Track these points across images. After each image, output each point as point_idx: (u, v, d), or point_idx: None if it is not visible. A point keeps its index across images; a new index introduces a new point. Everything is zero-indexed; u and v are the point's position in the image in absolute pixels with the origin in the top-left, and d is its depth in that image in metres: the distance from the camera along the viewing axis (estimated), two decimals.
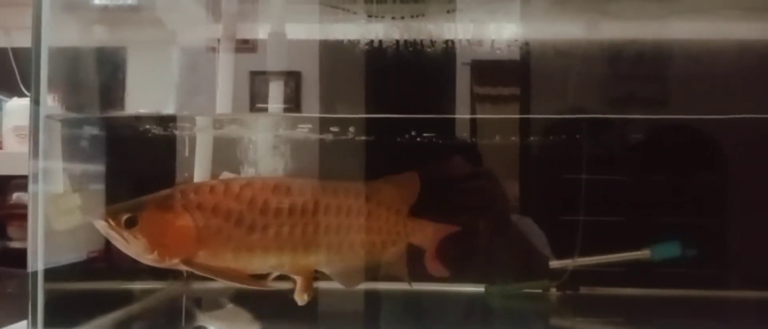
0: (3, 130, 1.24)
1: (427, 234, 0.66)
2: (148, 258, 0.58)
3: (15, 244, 1.25)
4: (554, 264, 0.79)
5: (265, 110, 0.78)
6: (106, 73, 0.83)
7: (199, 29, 0.83)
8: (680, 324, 0.75)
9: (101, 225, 0.58)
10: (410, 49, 0.75)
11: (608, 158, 0.81)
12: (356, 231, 0.62)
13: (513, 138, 0.78)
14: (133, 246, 0.57)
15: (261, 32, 0.78)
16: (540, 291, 0.81)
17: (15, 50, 1.29)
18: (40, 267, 0.67)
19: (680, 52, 0.79)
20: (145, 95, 0.84)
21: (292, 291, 0.63)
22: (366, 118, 0.74)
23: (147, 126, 0.75)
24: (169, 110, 0.81)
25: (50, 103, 0.71)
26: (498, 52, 0.76)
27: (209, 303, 0.75)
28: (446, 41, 0.76)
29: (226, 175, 0.69)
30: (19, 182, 1.25)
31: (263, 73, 0.77)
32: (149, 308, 0.81)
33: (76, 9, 0.81)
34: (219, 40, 0.76)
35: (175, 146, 0.77)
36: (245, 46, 0.79)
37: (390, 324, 0.78)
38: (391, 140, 0.72)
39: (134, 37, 0.86)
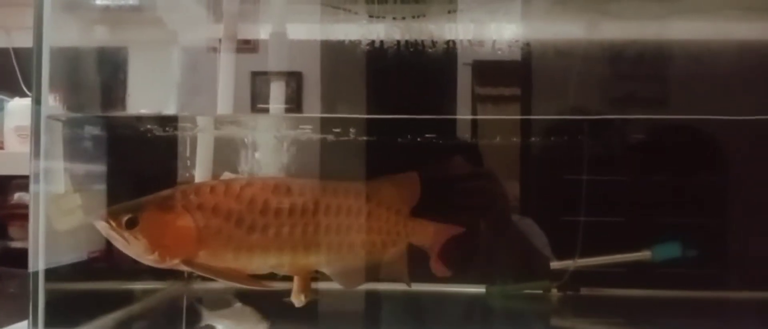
0: (4, 130, 1.24)
1: (427, 235, 0.66)
2: (148, 259, 0.58)
3: (16, 244, 1.25)
4: (555, 264, 0.79)
5: (267, 110, 0.78)
6: (108, 73, 0.83)
7: (201, 29, 0.83)
8: (681, 324, 0.75)
9: (102, 226, 0.58)
10: (411, 49, 0.75)
11: (609, 158, 0.81)
12: (356, 231, 0.62)
13: (514, 139, 0.78)
14: (133, 247, 0.57)
15: (262, 32, 0.78)
16: (541, 291, 0.81)
17: (16, 50, 1.29)
18: (41, 267, 0.67)
19: (680, 52, 0.79)
20: (147, 95, 0.84)
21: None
22: (367, 118, 0.74)
23: (148, 126, 0.75)
24: (170, 110, 0.81)
25: (52, 103, 0.71)
26: (499, 52, 0.76)
27: (217, 302, 0.74)
28: (447, 42, 0.76)
29: (227, 175, 0.69)
30: (21, 182, 1.25)
31: (264, 73, 0.77)
32: (150, 308, 0.81)
33: (78, 9, 0.81)
34: (220, 41, 0.76)
35: (176, 146, 0.77)
36: (246, 46, 0.80)
37: (390, 324, 0.78)
38: (392, 140, 0.72)
39: (135, 37, 0.86)
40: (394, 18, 0.76)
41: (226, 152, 0.76)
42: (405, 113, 0.69)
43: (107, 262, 0.77)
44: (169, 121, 0.76)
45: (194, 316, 0.77)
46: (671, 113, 0.80)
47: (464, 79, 0.80)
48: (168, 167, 0.76)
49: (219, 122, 0.76)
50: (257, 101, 0.80)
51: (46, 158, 0.69)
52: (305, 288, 0.62)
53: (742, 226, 0.81)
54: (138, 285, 0.81)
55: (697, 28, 0.78)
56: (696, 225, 0.80)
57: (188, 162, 0.75)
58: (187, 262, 0.59)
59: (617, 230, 0.81)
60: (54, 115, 0.70)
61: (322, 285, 0.66)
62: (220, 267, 0.59)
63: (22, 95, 1.25)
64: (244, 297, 0.73)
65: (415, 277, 0.67)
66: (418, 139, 0.72)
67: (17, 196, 1.29)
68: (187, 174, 0.75)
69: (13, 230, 1.28)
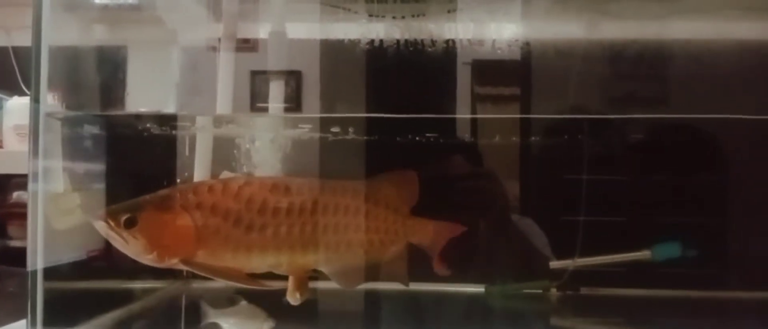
0: (3, 129, 1.24)
1: (427, 234, 0.65)
2: (147, 258, 0.58)
3: (15, 243, 1.25)
4: (554, 264, 0.79)
5: (266, 109, 0.78)
6: (107, 72, 0.83)
7: (200, 28, 0.83)
8: (681, 324, 0.75)
9: (100, 226, 0.57)
10: (411, 48, 0.75)
11: (608, 158, 0.81)
12: (354, 230, 0.62)
13: (513, 138, 0.78)
14: (132, 247, 0.57)
15: (262, 32, 0.78)
16: (540, 291, 0.81)
17: (15, 49, 1.29)
18: (40, 266, 0.67)
19: (680, 52, 0.79)
20: (146, 94, 0.84)
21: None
22: (366, 117, 0.74)
23: (147, 125, 0.75)
24: (169, 109, 0.81)
25: (51, 102, 0.71)
26: (498, 51, 0.76)
27: (222, 301, 0.74)
28: (447, 41, 0.76)
29: (226, 174, 0.69)
30: (20, 181, 1.25)
31: (264, 72, 0.77)
32: (149, 307, 0.81)
33: (77, 8, 0.81)
34: (219, 40, 0.76)
35: (175, 146, 0.77)
36: (246, 45, 0.79)
37: (389, 324, 0.78)
38: (392, 139, 0.72)
39: (135, 36, 0.85)
40: (393, 17, 0.76)
41: (226, 152, 0.75)
42: (404, 112, 0.69)
43: (106, 261, 0.77)
44: (168, 120, 0.76)
45: (193, 315, 0.77)
46: (671, 112, 0.80)
47: (464, 79, 0.80)
48: (167, 167, 0.76)
49: (218, 121, 0.76)
50: (257, 100, 0.80)
51: (44, 157, 0.69)
52: (300, 287, 0.62)
53: (741, 226, 0.81)
54: (137, 284, 0.81)
55: (696, 28, 0.78)
56: (696, 225, 0.80)
57: (187, 161, 0.75)
58: (185, 261, 0.59)
59: (617, 229, 0.81)
60: (52, 113, 0.70)
61: (321, 285, 0.66)
62: (218, 267, 0.59)
63: (22, 93, 1.24)
64: (249, 296, 0.73)
65: (414, 277, 0.67)
66: (418, 138, 0.71)
67: (16, 195, 1.29)
68: (186, 173, 0.75)
69: (12, 229, 1.28)
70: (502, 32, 0.76)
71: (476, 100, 0.81)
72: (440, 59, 0.76)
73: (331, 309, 0.75)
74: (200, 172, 0.73)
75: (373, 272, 0.63)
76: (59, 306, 0.70)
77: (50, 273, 0.69)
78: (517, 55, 0.76)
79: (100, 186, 0.79)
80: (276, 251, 0.60)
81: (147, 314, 0.80)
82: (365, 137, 0.72)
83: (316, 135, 0.74)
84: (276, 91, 0.76)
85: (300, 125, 0.76)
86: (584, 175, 0.79)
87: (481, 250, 0.79)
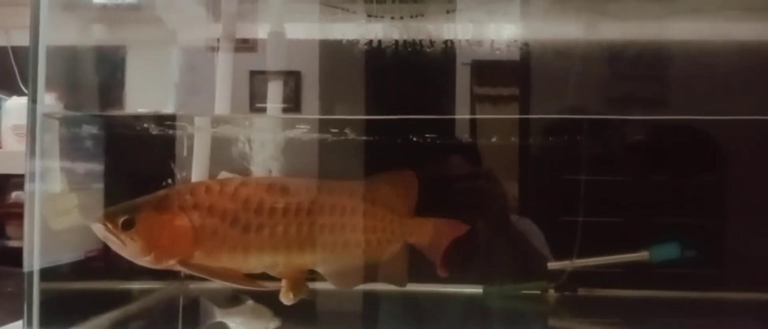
0: (2, 129, 1.24)
1: (425, 234, 0.65)
2: (144, 260, 0.58)
3: (14, 243, 1.25)
4: (553, 265, 0.79)
5: (265, 109, 0.77)
6: (106, 72, 0.82)
7: (199, 29, 0.82)
8: (679, 325, 0.75)
9: (98, 228, 0.57)
10: (409, 49, 0.75)
11: (607, 158, 0.81)
12: (350, 230, 0.62)
13: (512, 138, 0.78)
14: (129, 248, 0.57)
15: (261, 32, 0.78)
16: (538, 292, 0.81)
17: (14, 49, 1.28)
18: (36, 266, 0.67)
19: (679, 52, 0.79)
20: (145, 95, 0.84)
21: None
22: (365, 118, 0.74)
23: (145, 125, 0.75)
24: (168, 109, 0.81)
25: (50, 102, 0.71)
26: (497, 52, 0.76)
27: (223, 300, 0.75)
28: (446, 41, 0.76)
29: (224, 175, 0.68)
30: (18, 181, 1.24)
31: (263, 72, 0.77)
32: (147, 308, 0.81)
33: (76, 8, 0.81)
34: (218, 40, 0.76)
35: (173, 146, 0.76)
36: (245, 45, 0.79)
37: (388, 324, 0.78)
38: (391, 140, 0.72)
39: (134, 36, 0.85)
40: (392, 17, 0.76)
41: (224, 152, 0.75)
42: (403, 112, 0.69)
43: (104, 261, 0.77)
44: (166, 120, 0.76)
45: (191, 315, 0.77)
46: (670, 113, 0.79)
47: (463, 79, 0.79)
48: (165, 167, 0.76)
49: (216, 121, 0.76)
50: (256, 101, 0.80)
51: (42, 157, 0.69)
52: (294, 288, 0.62)
53: (739, 227, 0.81)
54: (135, 285, 0.81)
55: (695, 29, 0.78)
56: (694, 226, 0.80)
57: (185, 162, 0.75)
58: (182, 263, 0.59)
59: (615, 230, 0.81)
60: (50, 113, 0.70)
61: (323, 285, 0.66)
62: (215, 267, 0.59)
63: (21, 93, 1.24)
64: (255, 296, 0.73)
65: (412, 277, 0.66)
66: (417, 139, 0.71)
67: (15, 195, 1.28)
68: (184, 174, 0.74)
69: (10, 230, 1.28)
70: (501, 33, 0.76)
71: (475, 100, 0.81)
72: (439, 60, 0.76)
73: (333, 309, 0.75)
74: (198, 172, 0.73)
75: (369, 273, 0.63)
76: (56, 307, 0.70)
77: (48, 273, 0.69)
78: (516, 55, 0.76)
79: (98, 186, 0.78)
80: (272, 251, 0.60)
81: (144, 315, 0.80)
82: (364, 138, 0.72)
83: (315, 136, 0.74)
84: (274, 91, 0.76)
85: (298, 126, 0.76)
86: (583, 175, 0.79)
87: (479, 251, 0.79)
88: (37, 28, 0.67)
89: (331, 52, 0.79)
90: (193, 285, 0.79)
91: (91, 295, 0.80)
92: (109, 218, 0.57)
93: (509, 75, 0.79)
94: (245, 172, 0.73)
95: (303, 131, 0.75)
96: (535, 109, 0.79)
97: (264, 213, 0.59)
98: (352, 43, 0.76)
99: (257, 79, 0.80)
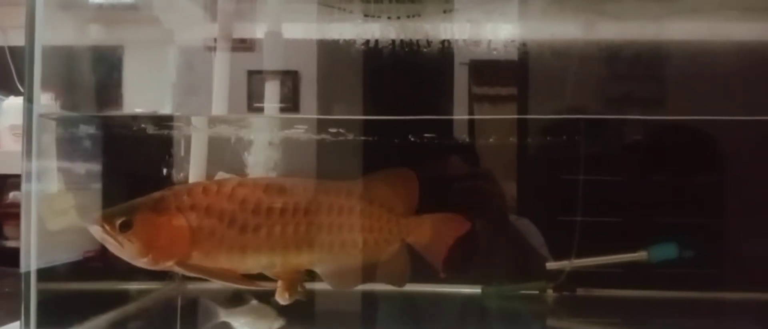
0: (0, 129, 1.24)
1: (424, 233, 0.64)
2: (142, 261, 0.57)
3: (12, 243, 1.24)
4: (551, 265, 0.79)
5: (263, 109, 0.77)
6: (103, 72, 0.82)
7: (196, 28, 0.82)
8: (677, 325, 0.75)
9: (95, 230, 0.57)
10: (406, 49, 0.75)
11: (606, 158, 0.81)
12: (348, 230, 0.62)
13: (511, 138, 0.78)
14: (127, 250, 0.57)
15: (259, 32, 0.78)
16: (537, 292, 0.81)
17: (12, 49, 1.28)
18: (33, 267, 0.67)
19: (678, 52, 0.79)
20: (142, 94, 0.83)
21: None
22: (363, 119, 0.74)
23: (142, 125, 0.75)
24: (165, 109, 0.81)
25: (47, 102, 0.71)
26: (495, 52, 0.76)
27: (232, 300, 0.75)
28: (443, 42, 0.76)
29: (221, 175, 0.68)
30: (16, 181, 1.24)
31: (261, 72, 0.77)
32: (145, 308, 0.81)
33: (72, 7, 0.81)
34: (215, 40, 0.76)
35: (170, 146, 0.76)
36: (243, 45, 0.79)
37: (387, 324, 0.78)
38: (389, 140, 0.72)
39: (131, 36, 0.85)
40: (389, 17, 0.76)
41: (221, 152, 0.75)
42: (401, 112, 0.69)
43: (102, 262, 0.77)
44: (163, 120, 0.76)
45: (190, 316, 0.77)
46: (668, 113, 0.79)
47: (461, 79, 0.79)
48: (162, 167, 0.76)
49: (213, 121, 0.76)
50: (254, 100, 0.80)
51: (39, 158, 0.68)
52: (289, 288, 0.61)
53: (739, 226, 0.81)
54: (133, 285, 0.81)
55: (694, 29, 0.78)
56: (692, 226, 0.80)
57: (182, 162, 0.75)
58: (180, 263, 0.58)
59: (614, 230, 0.80)
60: (46, 114, 0.70)
61: (323, 286, 0.65)
62: (213, 268, 0.59)
63: (18, 93, 1.24)
64: (258, 295, 0.73)
65: (411, 276, 0.66)
66: (415, 139, 0.71)
67: (12, 195, 1.28)
68: (182, 174, 0.74)
69: (8, 230, 1.28)
70: (498, 33, 0.76)
71: (473, 100, 0.81)
72: (437, 60, 0.76)
73: (336, 308, 0.75)
74: (195, 173, 0.73)
75: (367, 273, 0.63)
76: (54, 308, 0.70)
77: (45, 274, 0.69)
78: (513, 55, 0.76)
79: (95, 187, 0.78)
80: (270, 252, 0.59)
81: (143, 315, 0.80)
82: (362, 138, 0.72)
83: (313, 136, 0.74)
84: (272, 91, 0.76)
85: (295, 126, 0.76)
86: (581, 175, 0.79)
87: (478, 250, 0.79)
88: (33, 28, 0.66)
89: (330, 51, 0.79)
90: (191, 286, 0.79)
91: (89, 296, 0.80)
92: (106, 219, 0.57)
93: (507, 75, 0.79)
94: (242, 172, 0.73)
95: (301, 131, 0.75)
96: (533, 109, 0.79)
97: (261, 213, 0.59)
98: (350, 43, 0.76)
99: (255, 79, 0.80)
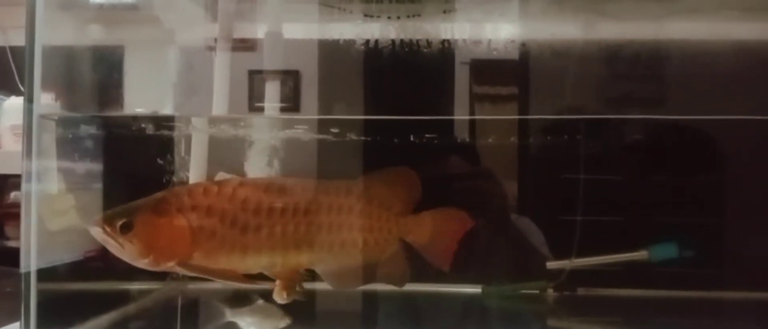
0: (1, 129, 1.24)
1: (423, 232, 0.64)
2: (143, 262, 0.58)
3: (12, 243, 1.25)
4: (551, 264, 0.79)
5: (263, 109, 0.77)
6: (104, 72, 0.82)
7: (197, 28, 0.82)
8: (678, 324, 0.75)
9: (96, 232, 0.57)
10: (406, 49, 0.75)
11: (606, 158, 0.81)
12: (347, 230, 0.62)
13: (511, 138, 0.78)
14: (128, 251, 0.57)
15: (260, 32, 0.78)
16: (537, 291, 0.81)
17: (13, 49, 1.28)
18: (33, 267, 0.67)
19: (677, 52, 0.79)
20: (142, 95, 0.83)
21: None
22: (364, 118, 0.74)
23: (142, 126, 0.75)
24: (166, 109, 0.81)
25: (47, 102, 0.71)
26: (494, 52, 0.76)
27: (236, 300, 0.75)
28: (443, 41, 0.76)
29: (221, 175, 0.68)
30: (17, 181, 1.24)
31: (262, 72, 0.77)
32: (145, 308, 0.81)
33: (73, 7, 0.81)
34: (216, 40, 0.76)
35: (170, 147, 0.76)
36: (244, 45, 0.79)
37: (386, 325, 0.78)
38: (390, 140, 0.72)
39: (131, 36, 0.85)
40: (389, 17, 0.76)
41: (221, 152, 0.75)
42: (402, 112, 0.69)
43: (103, 262, 0.77)
44: (163, 121, 0.76)
45: (189, 316, 0.77)
46: (668, 113, 0.79)
47: (461, 79, 0.79)
48: (162, 168, 0.76)
49: (213, 121, 0.76)
50: (255, 100, 0.80)
51: (39, 158, 0.68)
52: (288, 287, 0.61)
53: (738, 226, 0.80)
54: (134, 285, 0.81)
55: (694, 29, 0.78)
56: (693, 225, 0.79)
57: (183, 162, 0.75)
58: (181, 264, 0.59)
59: (614, 229, 0.80)
60: (47, 114, 0.70)
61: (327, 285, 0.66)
62: (214, 268, 0.59)
63: (19, 93, 1.24)
64: (265, 295, 0.73)
65: (411, 276, 0.66)
66: (415, 138, 0.71)
67: (13, 195, 1.29)
68: (182, 174, 0.74)
69: (9, 230, 1.28)
70: (498, 33, 0.76)
71: (474, 100, 0.81)
72: (437, 60, 0.76)
73: (340, 308, 0.75)
74: (195, 173, 0.73)
75: (367, 272, 0.63)
76: (55, 308, 0.70)
77: (46, 274, 0.69)
78: (514, 55, 0.76)
79: (96, 187, 0.78)
80: (270, 251, 0.60)
81: (143, 315, 0.80)
82: (363, 138, 0.72)
83: (313, 136, 0.74)
84: (272, 91, 0.76)
85: (296, 126, 0.76)
86: (582, 175, 0.79)
87: (478, 250, 0.79)
88: (33, 28, 0.67)
89: (331, 51, 0.79)
90: (192, 286, 0.79)
91: (89, 296, 0.80)
92: (107, 221, 0.57)
93: (507, 75, 0.79)
94: (243, 172, 0.73)
95: (301, 131, 0.75)
96: (534, 108, 0.79)
97: (263, 214, 0.59)
98: (350, 43, 0.76)
99: (256, 79, 0.80)
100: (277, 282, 0.62)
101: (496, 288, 0.81)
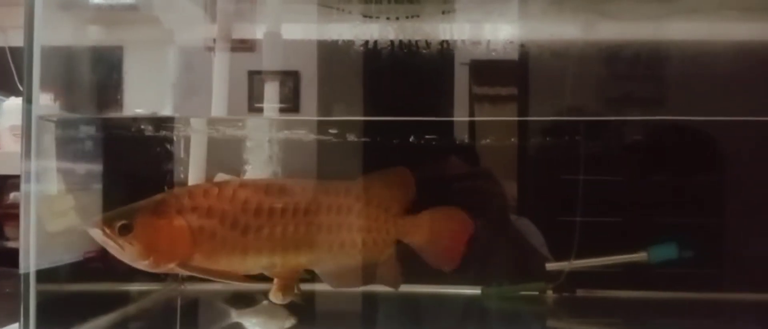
0: (0, 129, 1.24)
1: (422, 233, 0.64)
2: (143, 264, 0.58)
3: (12, 244, 1.24)
4: (551, 265, 0.79)
5: (263, 109, 0.77)
6: (103, 72, 0.82)
7: (196, 29, 0.82)
8: (678, 325, 0.74)
9: (96, 233, 0.57)
10: (405, 50, 0.75)
11: (605, 158, 0.81)
12: (346, 230, 0.62)
13: (511, 139, 0.78)
14: (128, 253, 0.57)
15: (259, 32, 0.78)
16: (537, 292, 0.81)
17: (12, 49, 1.28)
18: (33, 268, 0.67)
19: (677, 52, 0.79)
20: (142, 95, 0.83)
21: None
22: (363, 120, 0.74)
23: (142, 127, 0.75)
24: (165, 110, 0.81)
25: (48, 103, 0.71)
26: (494, 53, 0.76)
27: (239, 300, 0.75)
28: (442, 42, 0.76)
29: (221, 176, 0.68)
30: (17, 182, 1.24)
31: (261, 72, 0.77)
32: (145, 309, 0.81)
33: (72, 8, 0.81)
34: (215, 40, 0.76)
35: (170, 147, 0.76)
36: (243, 45, 0.79)
37: (385, 325, 0.77)
38: (389, 140, 0.72)
39: (131, 36, 0.85)
40: (388, 18, 0.76)
41: (221, 153, 0.75)
42: (402, 113, 0.69)
43: (103, 263, 0.77)
44: (163, 122, 0.76)
45: (189, 316, 0.77)
46: (668, 113, 0.79)
47: (461, 80, 0.79)
48: (161, 168, 0.76)
49: (212, 122, 0.76)
50: (254, 101, 0.80)
51: (38, 159, 0.68)
52: (285, 287, 0.61)
53: (739, 227, 0.80)
54: (134, 287, 0.81)
55: (694, 29, 0.78)
56: (693, 226, 0.79)
57: (182, 163, 0.75)
58: (182, 265, 0.59)
59: (614, 230, 0.80)
60: (46, 115, 0.70)
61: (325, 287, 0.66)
62: (215, 269, 0.59)
63: (19, 94, 1.24)
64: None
65: (411, 277, 0.66)
66: (415, 139, 0.71)
67: (13, 196, 1.28)
68: (181, 175, 0.74)
69: (9, 230, 1.28)
70: (498, 33, 0.76)
71: (473, 101, 0.81)
72: (436, 60, 0.76)
73: (344, 308, 0.75)
74: (195, 174, 0.73)
75: (365, 273, 0.63)
76: (54, 309, 0.70)
77: (45, 275, 0.69)
78: (513, 56, 0.76)
79: (95, 188, 0.78)
80: (270, 252, 0.60)
81: (143, 316, 0.80)
82: (362, 139, 0.72)
83: (312, 137, 0.74)
84: (271, 91, 0.76)
85: (295, 129, 0.76)
86: (581, 175, 0.79)
87: (477, 251, 0.79)
88: (32, 28, 0.66)
89: (330, 52, 0.79)
90: (191, 287, 0.79)
91: (89, 297, 0.80)
92: (106, 223, 0.57)
93: (507, 76, 0.79)
94: (242, 173, 0.73)
95: (301, 132, 0.75)
96: (533, 109, 0.79)
97: (263, 215, 0.59)
98: (349, 44, 0.76)
99: (256, 80, 0.80)
100: (275, 283, 0.62)
101: (495, 289, 0.81)
